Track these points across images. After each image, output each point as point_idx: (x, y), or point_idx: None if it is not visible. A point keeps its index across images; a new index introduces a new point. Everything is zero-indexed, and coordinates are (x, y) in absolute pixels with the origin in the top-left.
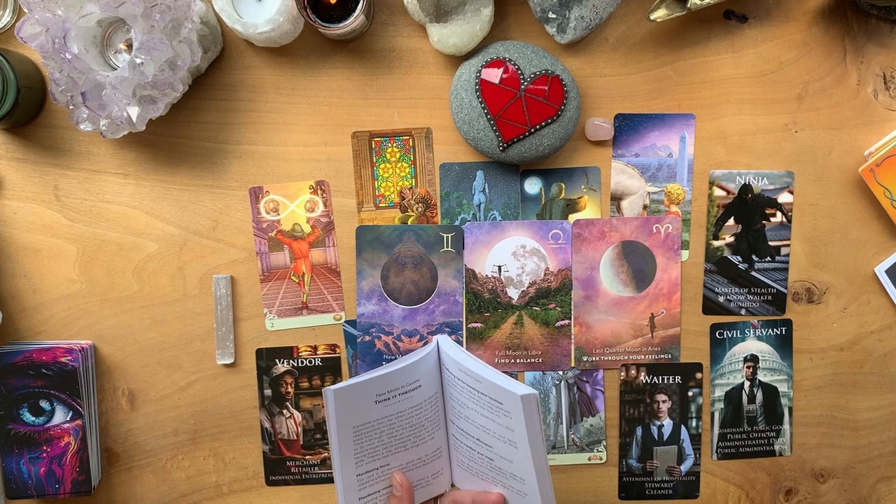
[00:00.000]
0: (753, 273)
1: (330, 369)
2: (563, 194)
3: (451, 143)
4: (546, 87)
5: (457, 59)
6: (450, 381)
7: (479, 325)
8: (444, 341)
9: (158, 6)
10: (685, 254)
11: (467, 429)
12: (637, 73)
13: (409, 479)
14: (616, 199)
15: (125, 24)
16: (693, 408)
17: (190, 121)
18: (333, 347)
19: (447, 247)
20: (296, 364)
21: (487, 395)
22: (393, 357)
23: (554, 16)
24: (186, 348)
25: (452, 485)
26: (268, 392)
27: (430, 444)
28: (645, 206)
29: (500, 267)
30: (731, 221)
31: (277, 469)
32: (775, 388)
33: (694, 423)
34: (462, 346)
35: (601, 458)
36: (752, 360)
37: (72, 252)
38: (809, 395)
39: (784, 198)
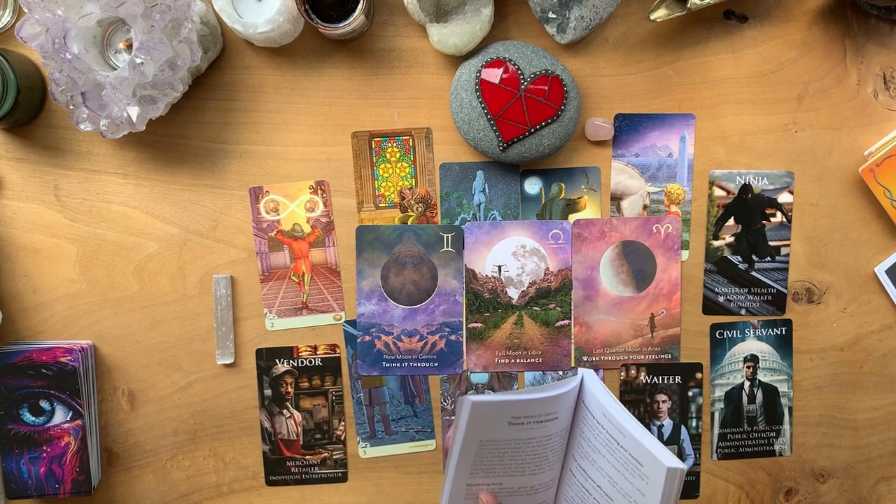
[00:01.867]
0: (753, 273)
1: (330, 369)
2: (563, 194)
3: (451, 143)
4: (546, 87)
5: (457, 59)
6: (587, 420)
7: (479, 325)
8: (590, 377)
9: (158, 6)
10: (685, 254)
11: (590, 472)
12: (637, 73)
13: None
14: (616, 199)
15: (125, 24)
16: (693, 408)
17: (190, 121)
18: (333, 347)
19: (447, 247)
20: (296, 364)
21: (628, 451)
22: (393, 357)
23: (554, 16)
24: (186, 348)
25: None
26: (268, 392)
27: (546, 474)
28: (645, 206)
29: (500, 267)
30: (731, 221)
31: (277, 469)
32: (775, 388)
33: (694, 423)
34: (462, 346)
35: None
36: (752, 360)
37: (72, 252)
38: (809, 395)
39: (784, 198)
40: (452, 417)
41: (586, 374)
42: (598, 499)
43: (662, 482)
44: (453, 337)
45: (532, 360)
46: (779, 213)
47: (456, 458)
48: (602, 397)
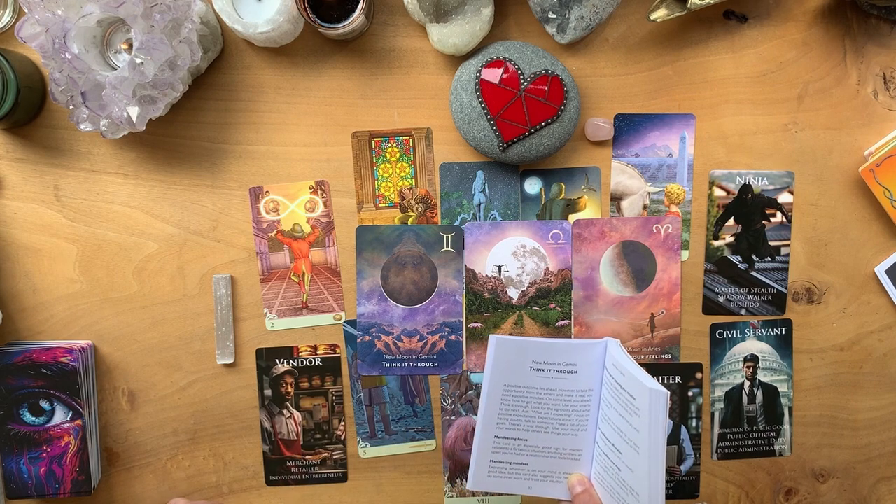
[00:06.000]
0: (753, 273)
1: (330, 369)
2: (563, 194)
3: (451, 143)
4: (546, 87)
5: (457, 59)
6: (606, 381)
7: (479, 325)
8: (614, 343)
9: (158, 6)
10: (685, 254)
11: (608, 433)
12: (637, 73)
13: (542, 467)
14: (616, 199)
15: (125, 24)
16: (693, 408)
17: (190, 121)
18: (333, 347)
19: (447, 247)
20: (296, 364)
21: (626, 389)
22: (393, 357)
23: (554, 16)
24: (186, 348)
25: None
26: (268, 392)
27: (570, 439)
28: (645, 206)
29: (500, 267)
30: (731, 221)
31: (277, 469)
32: (775, 388)
33: (694, 423)
34: (462, 346)
35: None
36: (752, 360)
37: (72, 252)
38: (809, 395)
39: (784, 198)
40: (452, 417)
41: (611, 341)
42: (613, 461)
43: (648, 408)
44: (453, 337)
45: None
46: (779, 213)
47: (484, 404)
48: (617, 353)
